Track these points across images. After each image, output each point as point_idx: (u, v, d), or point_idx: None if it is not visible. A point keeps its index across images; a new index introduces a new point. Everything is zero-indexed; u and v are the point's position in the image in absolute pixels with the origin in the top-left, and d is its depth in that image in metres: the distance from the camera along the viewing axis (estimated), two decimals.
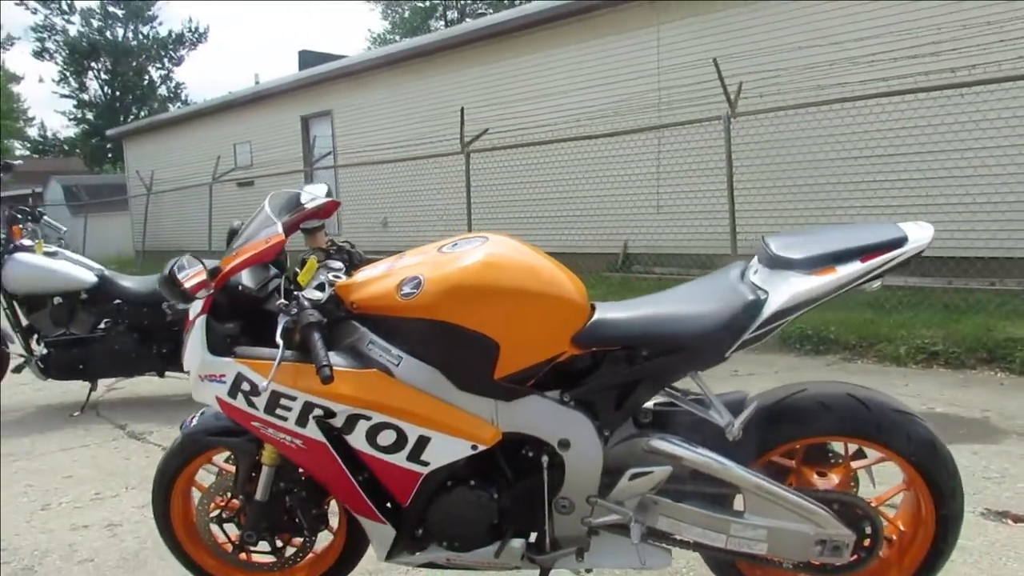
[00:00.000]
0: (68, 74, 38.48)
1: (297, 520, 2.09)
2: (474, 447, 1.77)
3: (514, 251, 1.83)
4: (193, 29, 39.41)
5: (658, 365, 1.75)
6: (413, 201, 11.30)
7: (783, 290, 1.66)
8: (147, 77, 39.81)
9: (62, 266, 4.59)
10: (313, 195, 2.13)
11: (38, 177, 26.38)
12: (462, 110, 8.74)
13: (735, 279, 1.78)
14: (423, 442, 1.78)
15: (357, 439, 1.81)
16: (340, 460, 1.84)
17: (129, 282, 4.71)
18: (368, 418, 1.79)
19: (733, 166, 6.37)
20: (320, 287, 1.84)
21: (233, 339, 1.93)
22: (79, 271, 4.59)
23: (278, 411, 1.83)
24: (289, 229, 1.97)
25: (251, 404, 1.85)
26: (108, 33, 38.35)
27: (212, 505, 2.16)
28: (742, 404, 1.81)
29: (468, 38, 11.04)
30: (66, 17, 37.04)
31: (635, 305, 1.85)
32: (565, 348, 1.74)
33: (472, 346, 1.72)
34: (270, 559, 2.18)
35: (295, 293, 1.82)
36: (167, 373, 4.66)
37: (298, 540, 2.16)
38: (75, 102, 39.12)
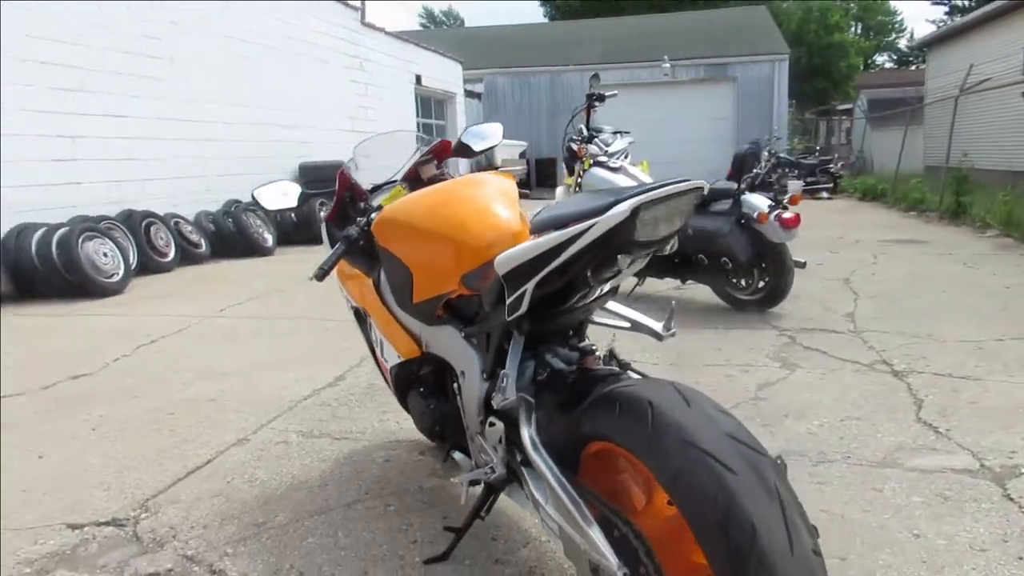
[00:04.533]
0: None
1: None
2: (399, 357, 2.07)
3: (449, 190, 1.91)
4: None
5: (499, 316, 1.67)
6: None
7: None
8: None
9: (620, 179, 5.31)
10: (477, 135, 2.35)
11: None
12: None
13: None
14: (381, 343, 2.19)
15: (370, 330, 2.29)
16: (369, 343, 2.34)
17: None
18: (368, 315, 2.25)
19: None
20: None
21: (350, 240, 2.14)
22: (629, 183, 5.09)
23: (345, 300, 2.44)
24: (420, 164, 2.25)
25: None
26: None
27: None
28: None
29: None
30: None
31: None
32: (454, 287, 1.78)
33: (398, 271, 1.91)
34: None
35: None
36: (688, 281, 5.32)
37: None
38: (946, 8, 38.36)
